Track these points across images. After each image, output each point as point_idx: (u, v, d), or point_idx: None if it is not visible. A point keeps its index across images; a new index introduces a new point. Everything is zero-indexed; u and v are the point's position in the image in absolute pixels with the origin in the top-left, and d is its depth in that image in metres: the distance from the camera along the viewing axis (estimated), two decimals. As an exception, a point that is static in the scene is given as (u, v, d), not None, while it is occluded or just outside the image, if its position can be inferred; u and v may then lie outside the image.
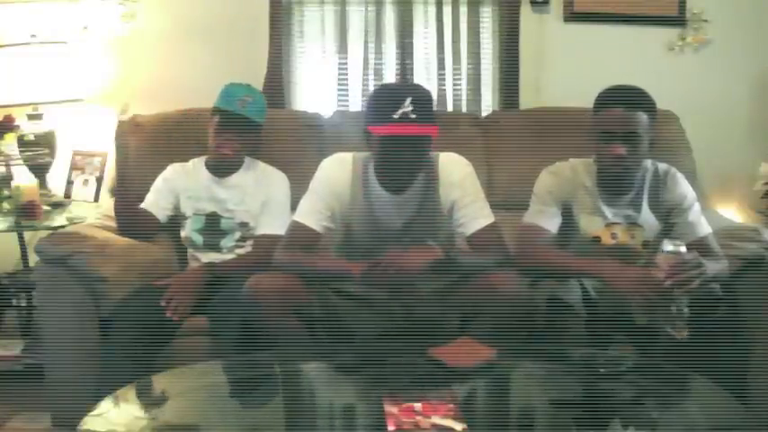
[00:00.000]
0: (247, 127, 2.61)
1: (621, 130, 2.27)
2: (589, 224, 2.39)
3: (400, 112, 2.16)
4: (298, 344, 2.18)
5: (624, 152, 2.27)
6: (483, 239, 2.32)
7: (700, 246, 2.34)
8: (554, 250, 2.36)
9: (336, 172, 2.36)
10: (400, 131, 2.17)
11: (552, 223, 2.39)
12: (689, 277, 2.04)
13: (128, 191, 2.64)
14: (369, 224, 2.35)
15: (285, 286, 2.19)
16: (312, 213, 2.34)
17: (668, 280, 2.02)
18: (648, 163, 2.42)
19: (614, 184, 2.38)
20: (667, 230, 2.38)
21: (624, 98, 2.30)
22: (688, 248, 2.32)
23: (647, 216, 2.39)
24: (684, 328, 2.00)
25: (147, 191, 2.74)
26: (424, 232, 2.34)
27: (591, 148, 2.38)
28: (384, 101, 2.24)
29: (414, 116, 2.17)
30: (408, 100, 2.17)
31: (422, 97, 2.24)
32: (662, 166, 2.44)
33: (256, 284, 2.19)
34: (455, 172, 2.35)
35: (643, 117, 2.28)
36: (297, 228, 2.35)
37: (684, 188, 2.42)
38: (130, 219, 2.64)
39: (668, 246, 2.07)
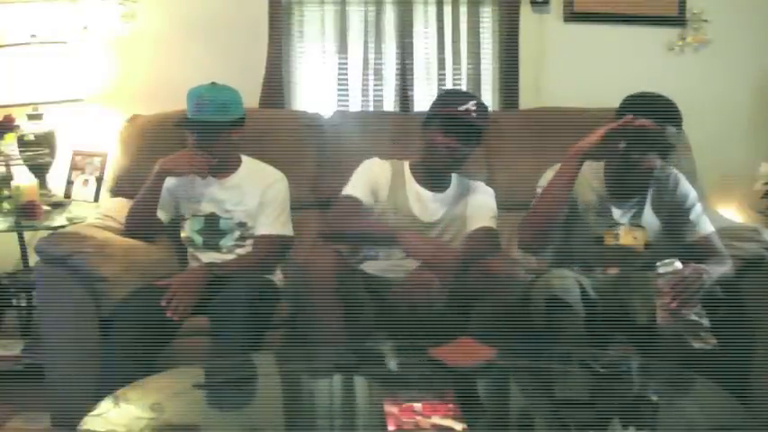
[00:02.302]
0: (209, 129, 2.56)
1: (662, 144, 2.27)
2: (593, 223, 2.39)
3: (466, 107, 2.45)
4: (339, 322, 2.22)
5: (659, 165, 2.30)
6: (477, 237, 2.49)
7: (703, 245, 2.35)
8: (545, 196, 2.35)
9: (378, 168, 2.58)
10: (463, 117, 2.44)
11: None
12: (694, 291, 2.05)
13: (154, 196, 2.61)
14: (403, 217, 2.51)
15: (335, 263, 2.25)
16: (358, 190, 2.52)
17: (674, 302, 2.03)
18: None
19: (625, 188, 2.38)
20: (670, 230, 2.40)
21: (663, 111, 2.28)
22: (691, 247, 2.34)
23: (649, 218, 2.40)
24: (711, 337, 2.01)
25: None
26: (447, 233, 2.54)
27: (606, 150, 2.29)
28: (452, 96, 2.64)
29: (475, 115, 2.45)
30: (472, 102, 2.48)
31: (483, 106, 2.54)
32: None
33: (313, 258, 2.27)
34: (481, 193, 2.62)
35: (676, 131, 2.29)
36: (343, 199, 2.51)
37: (686, 188, 2.42)
38: (143, 222, 2.64)
39: (662, 268, 2.08)
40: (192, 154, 2.58)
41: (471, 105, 2.45)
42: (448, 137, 2.45)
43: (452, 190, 2.60)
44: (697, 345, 2.00)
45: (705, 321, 2.02)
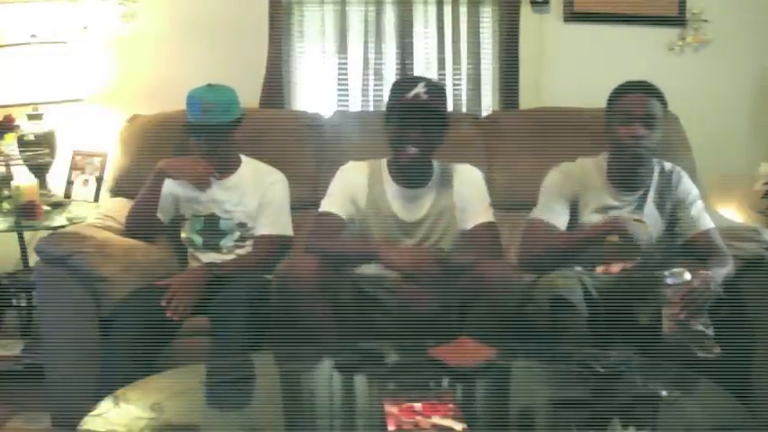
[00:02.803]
0: (216, 131, 2.56)
1: (642, 111, 2.34)
2: (595, 221, 2.40)
3: (413, 92, 2.34)
4: (327, 327, 2.21)
5: (644, 133, 2.33)
6: (478, 235, 2.43)
7: (703, 241, 2.36)
8: (554, 238, 2.38)
9: (354, 174, 2.50)
10: (413, 103, 2.33)
11: (559, 220, 2.40)
12: (702, 302, 2.07)
13: (153, 197, 2.61)
14: (386, 219, 2.44)
15: (320, 269, 2.22)
16: (336, 203, 2.45)
17: (682, 313, 2.04)
18: (654, 161, 2.45)
19: (625, 178, 2.41)
20: (671, 226, 2.41)
21: (642, 87, 2.38)
22: (690, 245, 2.34)
23: (651, 213, 2.42)
24: (714, 346, 2.02)
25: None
26: (436, 229, 2.45)
27: (603, 143, 2.42)
28: (400, 86, 2.46)
29: (426, 97, 2.33)
30: (422, 84, 2.36)
31: (435, 85, 2.44)
32: (667, 164, 2.49)
33: (291, 267, 2.25)
34: (468, 177, 2.51)
35: (659, 104, 2.36)
36: (322, 215, 2.45)
37: (688, 185, 2.46)
38: (143, 222, 2.64)
39: (671, 278, 2.08)
40: (195, 163, 2.58)
41: (420, 89, 2.34)
42: (407, 129, 2.35)
43: (434, 182, 2.49)
44: (701, 354, 2.01)
45: (710, 331, 2.03)
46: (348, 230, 2.46)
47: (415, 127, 2.34)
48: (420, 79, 2.45)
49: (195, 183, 2.61)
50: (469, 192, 2.48)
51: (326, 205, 2.46)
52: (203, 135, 2.57)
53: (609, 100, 2.43)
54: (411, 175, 2.47)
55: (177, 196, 2.68)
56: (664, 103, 2.40)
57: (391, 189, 2.48)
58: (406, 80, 2.66)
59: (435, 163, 2.51)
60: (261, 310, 2.34)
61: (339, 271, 2.32)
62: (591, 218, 2.41)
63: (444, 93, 2.50)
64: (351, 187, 2.47)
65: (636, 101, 2.36)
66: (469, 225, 2.44)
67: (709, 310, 2.07)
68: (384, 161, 2.52)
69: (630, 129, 2.33)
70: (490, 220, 2.46)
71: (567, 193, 2.42)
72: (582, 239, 2.34)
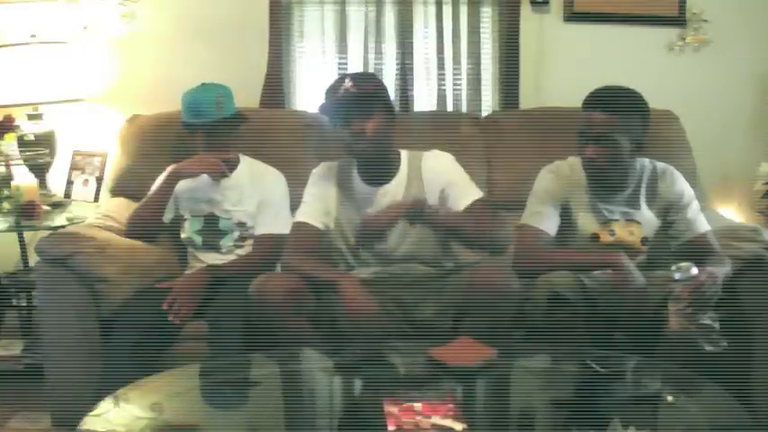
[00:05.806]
0: (211, 130, 2.61)
1: (594, 132, 2.30)
2: (587, 221, 2.41)
3: (343, 88, 2.30)
4: (303, 343, 2.18)
5: (594, 155, 2.30)
6: (474, 213, 2.33)
7: (700, 243, 2.35)
8: (550, 250, 2.36)
9: (324, 177, 2.47)
10: (347, 98, 2.28)
11: (549, 224, 2.39)
12: (709, 296, 2.07)
13: (164, 199, 2.63)
14: (358, 221, 2.37)
15: (291, 286, 2.21)
16: (311, 213, 2.42)
17: (689, 307, 2.04)
18: (646, 161, 2.44)
19: (602, 182, 2.39)
20: (666, 227, 2.40)
21: (603, 101, 2.31)
22: (687, 248, 2.34)
23: (644, 212, 2.41)
24: (722, 339, 2.02)
25: (147, 191, 2.73)
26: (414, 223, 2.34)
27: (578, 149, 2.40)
28: (329, 91, 2.38)
29: (356, 89, 2.29)
30: (347, 79, 2.33)
31: (364, 75, 2.41)
32: (660, 164, 2.46)
33: (262, 285, 2.21)
34: (438, 163, 2.43)
35: (619, 120, 2.28)
36: (299, 227, 2.42)
37: (682, 186, 2.43)
38: (148, 225, 2.64)
39: (678, 273, 2.09)
40: (209, 155, 2.61)
41: (347, 83, 2.30)
42: (352, 124, 2.29)
43: (402, 175, 2.42)
44: (709, 348, 2.01)
45: (717, 325, 2.04)
46: (326, 239, 2.43)
47: (357, 118, 2.29)
48: (345, 75, 2.39)
49: (213, 174, 2.62)
50: (448, 177, 2.39)
51: (302, 215, 2.43)
52: (199, 135, 2.60)
53: (584, 106, 2.36)
54: (376, 171, 2.41)
55: (177, 196, 2.68)
56: (635, 111, 2.32)
57: (360, 189, 2.43)
58: (334, 82, 2.45)
59: (403, 154, 2.45)
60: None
61: (313, 288, 2.27)
62: (582, 217, 2.40)
63: (375, 79, 2.46)
64: (322, 192, 2.44)
65: (589, 121, 2.30)
66: (460, 207, 2.34)
67: (714, 305, 2.08)
68: (355, 161, 2.46)
69: (584, 149, 2.32)
70: (479, 196, 2.37)
71: (557, 195, 2.41)
72: (578, 262, 2.29)
